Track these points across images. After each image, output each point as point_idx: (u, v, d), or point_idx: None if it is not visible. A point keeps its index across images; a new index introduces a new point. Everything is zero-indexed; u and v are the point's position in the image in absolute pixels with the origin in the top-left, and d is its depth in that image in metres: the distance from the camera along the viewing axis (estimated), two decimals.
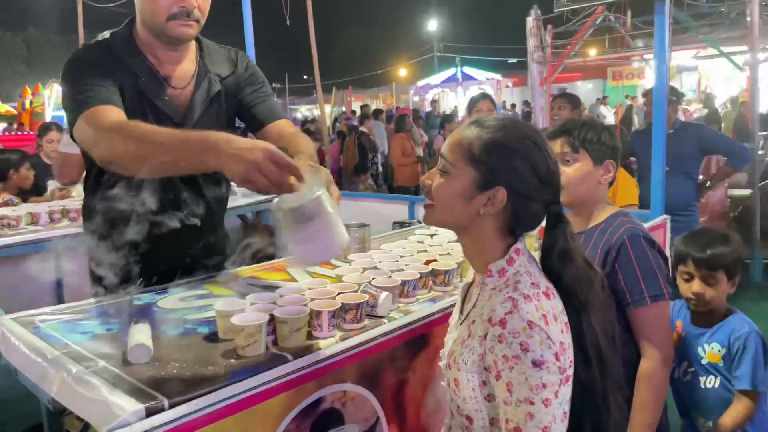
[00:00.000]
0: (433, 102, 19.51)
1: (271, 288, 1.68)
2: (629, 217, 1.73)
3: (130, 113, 1.62)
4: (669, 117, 3.64)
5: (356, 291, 1.55)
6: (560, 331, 1.07)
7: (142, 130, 1.39)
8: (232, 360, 1.28)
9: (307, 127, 12.66)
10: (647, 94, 3.89)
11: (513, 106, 18.99)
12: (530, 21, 7.63)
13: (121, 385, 1.15)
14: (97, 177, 1.82)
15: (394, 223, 3.32)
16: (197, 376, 1.20)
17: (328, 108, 21.46)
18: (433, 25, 33.84)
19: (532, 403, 1.01)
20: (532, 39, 7.65)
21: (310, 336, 1.40)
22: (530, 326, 1.03)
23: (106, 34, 1.77)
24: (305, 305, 1.41)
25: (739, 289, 1.98)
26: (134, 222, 1.80)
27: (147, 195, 1.56)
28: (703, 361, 1.96)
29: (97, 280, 1.95)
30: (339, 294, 1.50)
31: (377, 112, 13.22)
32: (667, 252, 2.65)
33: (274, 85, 31.95)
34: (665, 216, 2.68)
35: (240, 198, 4.05)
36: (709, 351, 1.95)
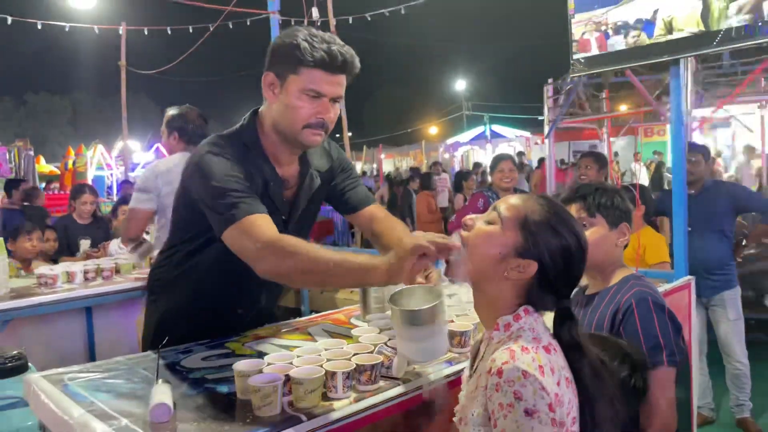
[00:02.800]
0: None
1: (290, 348, 1.72)
2: (641, 280, 1.74)
3: None
4: (701, 175, 3.63)
5: (371, 352, 1.58)
6: (556, 384, 1.09)
7: (303, 250, 1.49)
8: (248, 420, 1.31)
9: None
10: None
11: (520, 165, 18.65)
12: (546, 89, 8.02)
13: None
14: (189, 252, 1.89)
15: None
16: None
17: (359, 165, 21.85)
18: (461, 84, 34.54)
19: None
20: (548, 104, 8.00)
21: (325, 397, 1.43)
22: (524, 375, 1.06)
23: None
24: (321, 366, 1.45)
25: None
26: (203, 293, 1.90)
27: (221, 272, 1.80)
28: None
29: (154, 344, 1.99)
30: (354, 355, 1.54)
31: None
32: (693, 312, 2.62)
33: None
34: (689, 277, 2.65)
35: None
36: None
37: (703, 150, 3.82)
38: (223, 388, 1.51)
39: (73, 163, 13.65)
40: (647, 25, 2.68)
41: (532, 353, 1.10)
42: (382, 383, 1.52)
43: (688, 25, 2.56)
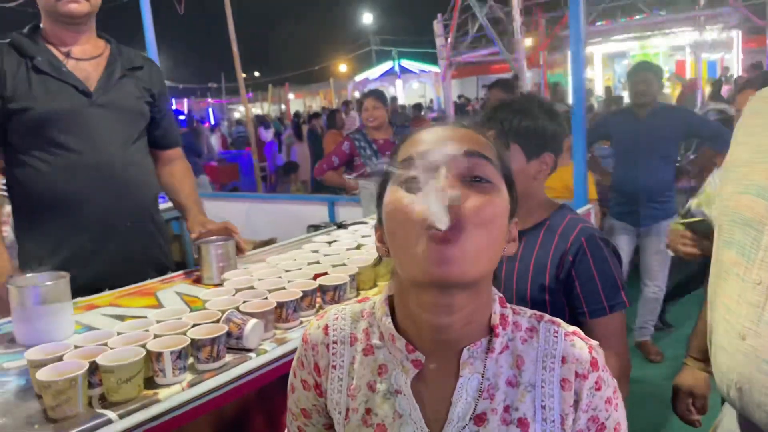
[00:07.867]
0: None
1: (124, 318, 1.40)
2: (575, 212, 1.50)
3: (24, 88, 1.72)
4: (654, 96, 3.40)
5: (218, 320, 1.29)
6: None
7: None
8: (36, 426, 1.00)
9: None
10: (632, 73, 3.59)
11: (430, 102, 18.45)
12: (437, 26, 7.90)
13: None
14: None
15: (309, 226, 3.07)
16: None
17: (266, 106, 20.95)
18: (368, 17, 33.40)
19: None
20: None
21: (153, 384, 1.14)
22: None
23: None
24: (144, 345, 1.14)
25: None
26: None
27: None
28: None
29: None
30: (193, 326, 1.24)
31: None
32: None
33: (210, 84, 30.97)
34: (589, 206, 2.52)
35: None
36: None
37: (656, 70, 3.53)
38: (21, 381, 1.18)
39: None
40: None
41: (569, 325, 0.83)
42: (229, 358, 1.24)
43: None
